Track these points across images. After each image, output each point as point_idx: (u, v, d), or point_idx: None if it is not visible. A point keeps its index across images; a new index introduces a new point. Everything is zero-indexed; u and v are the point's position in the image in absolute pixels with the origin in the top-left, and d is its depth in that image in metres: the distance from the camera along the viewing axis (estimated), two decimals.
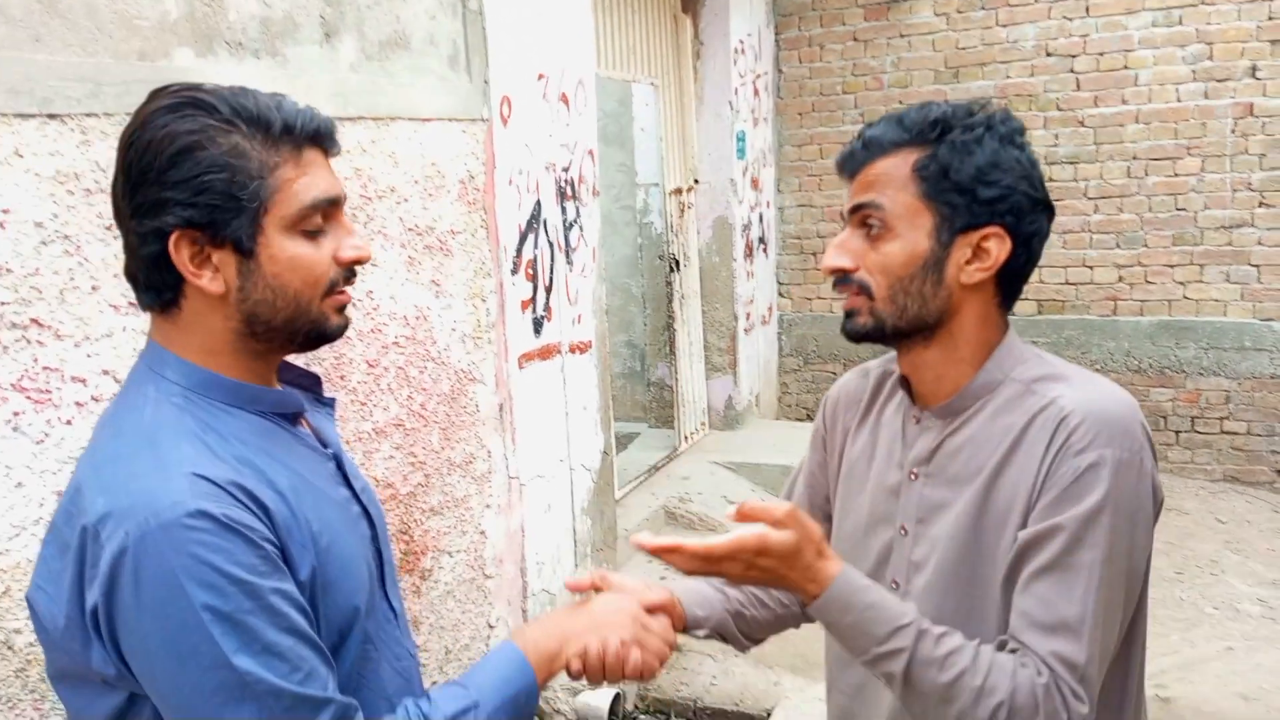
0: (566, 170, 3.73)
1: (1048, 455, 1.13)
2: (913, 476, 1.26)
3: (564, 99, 3.71)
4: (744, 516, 1.11)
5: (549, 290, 3.62)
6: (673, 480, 5.15)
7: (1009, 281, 1.21)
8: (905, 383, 1.31)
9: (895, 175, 1.17)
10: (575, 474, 3.84)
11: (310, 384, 1.21)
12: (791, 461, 5.36)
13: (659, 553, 1.14)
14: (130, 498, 0.94)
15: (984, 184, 1.14)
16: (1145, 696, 1.30)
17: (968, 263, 1.17)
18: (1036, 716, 1.07)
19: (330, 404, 1.23)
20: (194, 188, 0.98)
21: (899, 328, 1.21)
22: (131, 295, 1.97)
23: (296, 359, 1.18)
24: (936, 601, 1.22)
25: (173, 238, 0.99)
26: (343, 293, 1.09)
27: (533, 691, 1.13)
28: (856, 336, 1.23)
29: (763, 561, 1.11)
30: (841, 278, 1.22)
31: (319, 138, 1.06)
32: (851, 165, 1.22)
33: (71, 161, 1.88)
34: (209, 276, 1.01)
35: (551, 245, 3.63)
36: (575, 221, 3.82)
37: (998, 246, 1.17)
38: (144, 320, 2.00)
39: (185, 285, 1.03)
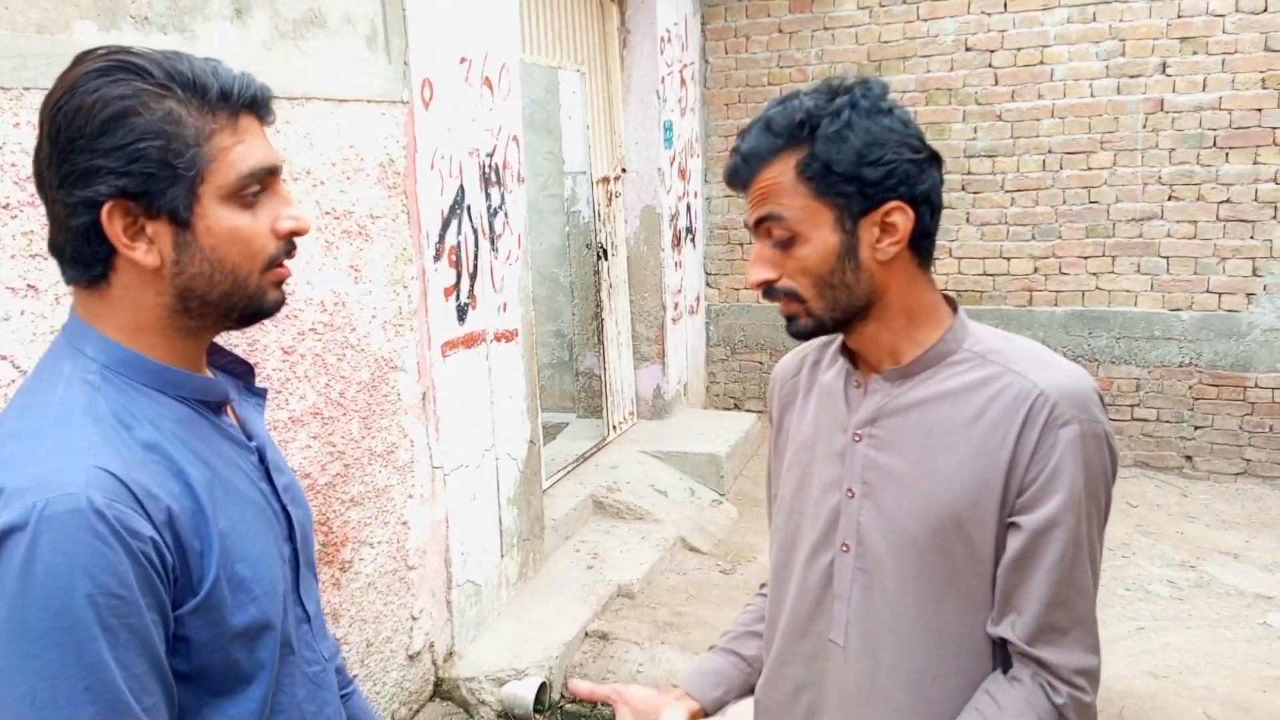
0: (490, 155, 3.69)
1: (1028, 433, 1.16)
2: (856, 439, 1.27)
3: (487, 83, 3.66)
4: None
5: (473, 277, 3.58)
6: (601, 470, 5.14)
7: (920, 242, 1.22)
8: (845, 351, 1.32)
9: (783, 182, 1.18)
10: (501, 463, 3.81)
11: (242, 371, 1.16)
12: (718, 450, 5.40)
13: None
14: (27, 479, 0.89)
15: (868, 165, 1.15)
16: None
17: (878, 241, 1.19)
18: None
19: (261, 394, 1.18)
20: (128, 155, 0.93)
21: (836, 318, 1.23)
22: (30, 277, 1.90)
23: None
24: (905, 573, 1.23)
25: (105, 208, 0.94)
26: (282, 266, 1.04)
27: None
28: (804, 336, 1.26)
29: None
30: (768, 289, 1.23)
31: (256, 104, 1.01)
32: (739, 180, 1.23)
33: None
34: (143, 249, 0.96)
35: (475, 231, 3.58)
36: (500, 208, 3.78)
37: (902, 218, 1.18)
38: (43, 303, 1.93)
39: (116, 258, 0.97)
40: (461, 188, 3.47)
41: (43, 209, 1.90)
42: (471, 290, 3.56)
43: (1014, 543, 1.17)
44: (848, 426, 1.28)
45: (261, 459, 1.11)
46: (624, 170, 5.77)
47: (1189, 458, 5.61)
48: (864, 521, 1.26)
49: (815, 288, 1.20)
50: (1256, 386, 5.40)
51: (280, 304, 1.07)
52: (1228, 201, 5.33)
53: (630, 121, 5.76)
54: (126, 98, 0.93)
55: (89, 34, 2.04)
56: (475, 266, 3.59)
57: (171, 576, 0.94)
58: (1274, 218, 5.25)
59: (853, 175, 1.15)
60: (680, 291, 6.14)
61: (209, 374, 1.10)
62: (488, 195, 3.68)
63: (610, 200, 5.67)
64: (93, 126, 0.92)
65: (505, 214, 3.82)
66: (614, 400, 5.71)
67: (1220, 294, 5.42)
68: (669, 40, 5.77)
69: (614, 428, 5.68)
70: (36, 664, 0.87)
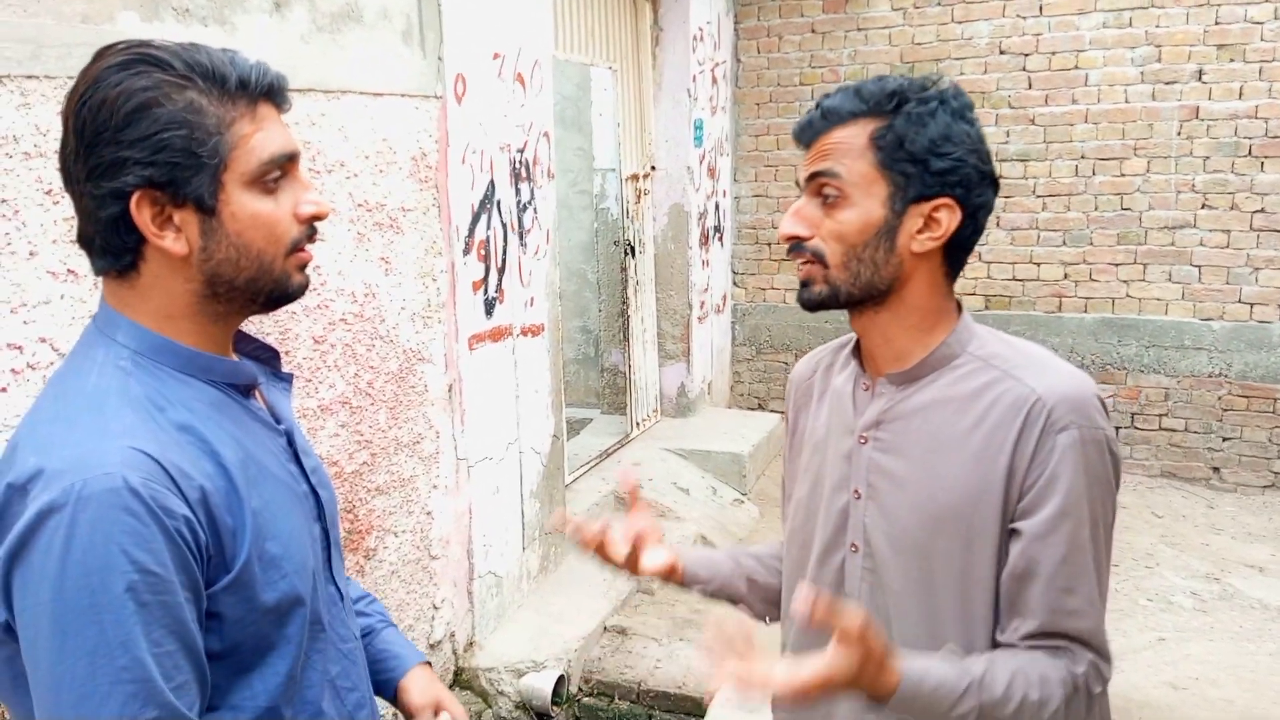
0: (521, 151, 3.71)
1: (1025, 439, 1.17)
2: (862, 441, 1.29)
3: (520, 79, 3.69)
4: (818, 619, 1.05)
5: (501, 272, 3.61)
6: (624, 466, 5.16)
7: (955, 252, 1.24)
8: (857, 354, 1.34)
9: (853, 144, 1.20)
10: (525, 457, 3.84)
11: (268, 357, 1.19)
12: (741, 449, 5.41)
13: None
14: (64, 460, 0.92)
15: (937, 155, 1.17)
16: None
17: (919, 232, 1.20)
18: (1079, 699, 1.18)
19: (288, 379, 1.21)
20: (153, 145, 0.95)
21: (852, 294, 1.24)
22: (71, 262, 1.95)
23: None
24: (908, 574, 1.25)
25: (134, 198, 0.97)
26: (305, 251, 1.07)
27: None
28: (812, 305, 1.26)
29: (833, 689, 1.08)
30: (796, 245, 1.25)
31: (273, 92, 1.04)
32: (809, 134, 1.24)
33: (11, 124, 1.84)
34: (171, 237, 0.99)
35: (505, 226, 3.61)
36: (529, 203, 3.81)
37: (948, 217, 1.20)
38: (82, 288, 1.97)
39: (145, 247, 1.00)
40: (492, 183, 3.50)
41: None
42: (499, 285, 3.59)
43: (1015, 549, 1.19)
44: (854, 429, 1.31)
45: (290, 441, 1.14)
46: (653, 168, 5.79)
47: (1216, 469, 5.56)
48: (869, 523, 1.28)
49: (844, 255, 1.21)
50: None
51: (304, 287, 1.10)
52: (1262, 211, 5.27)
53: (661, 119, 5.77)
54: (149, 89, 0.95)
55: (132, 24, 2.08)
56: (504, 261, 3.62)
57: (205, 554, 0.97)
58: None
59: (920, 158, 1.17)
60: (707, 290, 6.15)
61: (236, 359, 1.13)
62: (518, 191, 3.71)
63: (639, 198, 5.68)
64: (117, 119, 0.95)
65: (535, 209, 3.85)
66: (638, 397, 5.73)
67: (1252, 304, 5.36)
68: (701, 39, 5.78)
69: (637, 425, 5.71)
70: (75, 641, 0.90)
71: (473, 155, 3.36)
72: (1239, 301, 5.38)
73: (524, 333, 3.80)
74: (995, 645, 1.23)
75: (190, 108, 0.97)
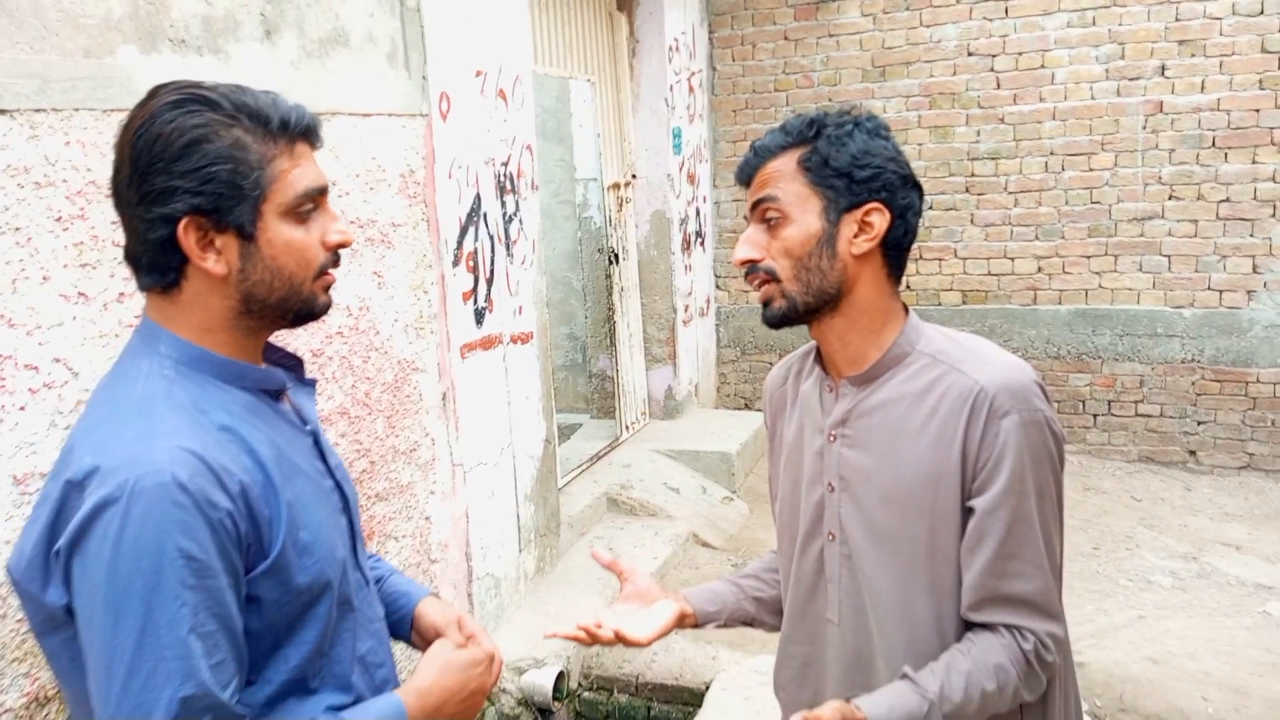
0: (505, 165, 3.82)
1: (974, 426, 1.30)
2: (831, 439, 1.42)
3: (502, 95, 3.80)
4: None
5: (490, 282, 3.71)
6: (614, 468, 5.27)
7: (893, 253, 1.38)
8: (819, 359, 1.47)
9: (785, 170, 1.35)
10: (518, 461, 3.94)
11: (293, 365, 1.30)
12: (729, 448, 5.52)
13: None
14: (118, 459, 1.02)
15: (859, 167, 1.32)
16: (1070, 658, 1.47)
17: (855, 236, 1.34)
18: (1034, 673, 1.31)
19: (311, 384, 1.32)
20: (201, 177, 1.07)
21: (808, 303, 1.37)
22: (81, 286, 2.05)
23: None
24: (881, 558, 1.38)
25: (182, 223, 1.08)
26: (329, 274, 1.19)
27: None
28: (775, 322, 1.40)
29: None
30: (751, 268, 1.39)
31: (309, 133, 1.16)
32: (747, 172, 1.40)
33: (21, 155, 1.93)
34: (213, 259, 1.10)
35: (492, 238, 3.72)
36: (515, 215, 3.92)
37: (879, 219, 1.34)
38: (93, 309, 2.07)
39: (188, 267, 1.11)
40: (478, 196, 3.61)
41: (92, 222, 2.05)
42: (488, 294, 3.70)
43: (970, 525, 1.31)
44: (823, 428, 1.44)
45: (316, 441, 1.25)
46: (634, 176, 5.91)
47: (1193, 452, 5.70)
48: (843, 513, 1.41)
49: (793, 268, 1.35)
50: (1258, 382, 5.49)
51: (328, 307, 1.21)
52: (1227, 200, 5.42)
53: (640, 129, 5.89)
54: (200, 126, 1.07)
55: (132, 57, 2.19)
56: (492, 271, 3.73)
57: (245, 543, 1.08)
58: (1273, 216, 5.34)
59: (845, 172, 1.32)
60: (690, 294, 6.27)
61: (266, 367, 1.23)
62: (503, 203, 3.81)
63: (621, 206, 5.80)
64: (171, 152, 1.06)
65: (520, 220, 3.96)
66: (626, 401, 5.84)
67: (1221, 291, 5.51)
68: (677, 49, 5.91)
69: (627, 428, 5.81)
70: (126, 620, 1.00)
71: (459, 170, 3.47)
72: (1208, 289, 5.54)
73: (514, 340, 3.90)
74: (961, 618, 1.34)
75: (236, 144, 1.09)
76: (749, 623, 1.62)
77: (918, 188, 1.37)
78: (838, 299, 1.36)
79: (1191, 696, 3.45)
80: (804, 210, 1.34)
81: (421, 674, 1.25)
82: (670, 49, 5.81)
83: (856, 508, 1.39)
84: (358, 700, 1.20)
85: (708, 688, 3.48)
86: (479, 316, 3.64)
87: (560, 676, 3.53)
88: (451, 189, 3.42)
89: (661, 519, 4.88)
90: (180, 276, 1.12)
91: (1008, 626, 1.30)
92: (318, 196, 1.16)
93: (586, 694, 3.65)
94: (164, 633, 1.00)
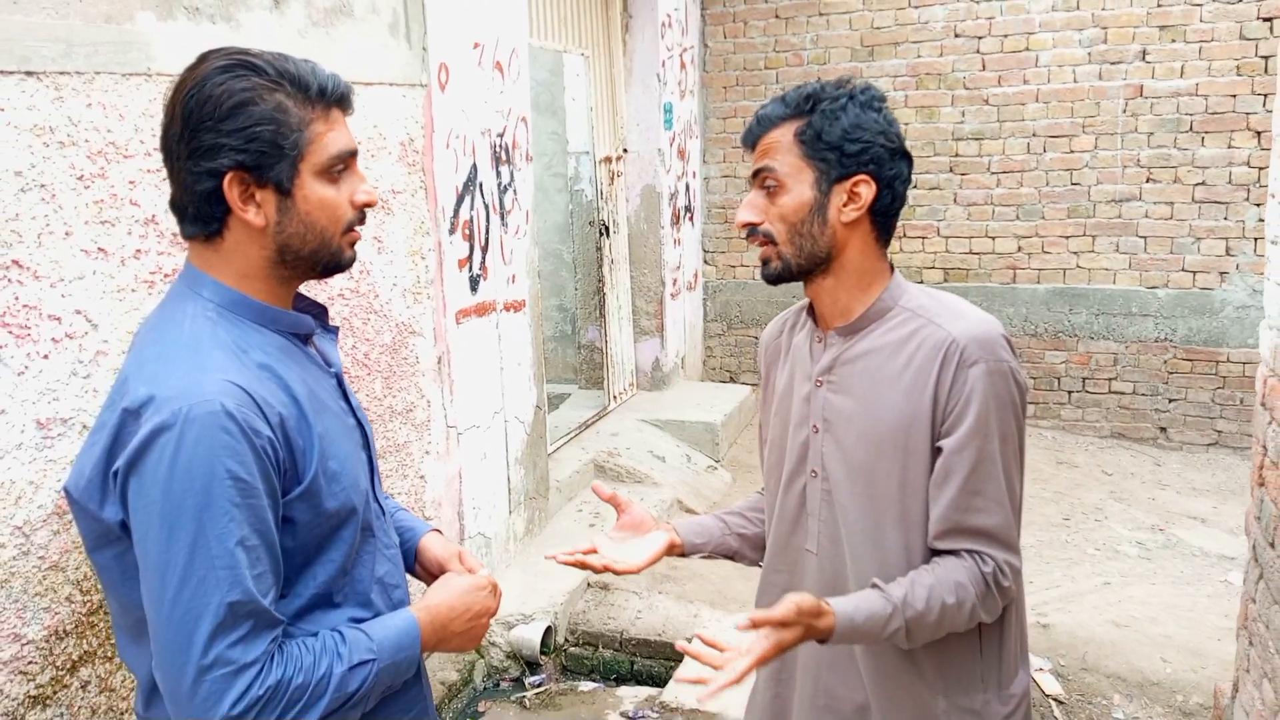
0: (501, 135, 3.92)
1: (944, 374, 1.43)
2: (818, 384, 1.55)
3: (498, 67, 3.89)
4: (758, 625, 1.33)
5: (485, 250, 3.82)
6: (602, 436, 5.40)
7: (881, 219, 1.50)
8: (811, 313, 1.60)
9: (782, 142, 1.48)
10: (510, 425, 4.06)
11: (318, 312, 1.41)
12: (713, 419, 5.66)
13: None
14: (172, 390, 1.14)
15: (850, 141, 1.44)
16: (1023, 593, 1.61)
17: (845, 205, 1.47)
18: (990, 594, 1.43)
19: (334, 331, 1.43)
20: (246, 136, 1.18)
21: (801, 264, 1.50)
22: (101, 241, 2.15)
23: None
24: (856, 492, 1.51)
25: (227, 178, 1.19)
26: (355, 231, 1.31)
27: (415, 659, 1.34)
28: (772, 279, 1.53)
29: (785, 651, 1.37)
30: (750, 230, 1.52)
31: (343, 100, 1.27)
32: (750, 138, 1.52)
33: (46, 115, 2.02)
34: (253, 211, 1.21)
35: (487, 207, 3.82)
36: (510, 185, 4.02)
37: (866, 190, 1.46)
38: (111, 264, 2.18)
39: (230, 218, 1.22)
40: (474, 166, 3.71)
41: (111, 181, 2.15)
42: (483, 262, 3.81)
43: (938, 463, 1.44)
44: (811, 374, 1.57)
45: (339, 382, 1.37)
46: (625, 151, 6.00)
47: (1163, 429, 5.87)
48: (825, 452, 1.54)
49: (788, 233, 1.48)
50: (1228, 361, 5.65)
51: (353, 260, 1.33)
52: (1203, 184, 5.56)
53: (632, 103, 5.98)
54: (247, 90, 1.18)
55: (149, 23, 2.28)
56: (487, 240, 3.83)
57: (282, 468, 1.20)
58: (1247, 199, 5.49)
59: (836, 146, 1.44)
60: (679, 268, 6.38)
61: (296, 314, 1.35)
62: (498, 173, 3.91)
63: (612, 179, 5.90)
64: (220, 112, 1.17)
65: (515, 191, 4.06)
66: (615, 372, 5.96)
67: (1195, 272, 5.66)
68: (669, 25, 5.99)
69: (614, 398, 5.94)
70: (179, 534, 1.12)
71: (456, 140, 3.57)
72: (1182, 270, 5.69)
73: (507, 308, 4.01)
74: (929, 548, 1.48)
75: (279, 108, 1.20)
76: (731, 556, 1.75)
77: (907, 157, 1.49)
78: (828, 261, 1.49)
79: (1151, 658, 3.61)
80: (798, 181, 1.46)
81: (431, 594, 1.39)
82: (663, 25, 5.90)
83: (838, 447, 1.52)
84: (376, 616, 1.33)
85: (689, 642, 3.62)
86: (474, 283, 3.74)
87: (548, 631, 3.67)
88: (449, 158, 3.52)
89: (647, 486, 5.01)
90: (223, 227, 1.23)
91: (969, 552, 1.44)
92: (349, 159, 1.27)
93: (573, 649, 3.79)
94: (213, 545, 1.12)
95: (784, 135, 1.47)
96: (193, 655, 1.11)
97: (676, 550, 1.68)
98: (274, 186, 1.21)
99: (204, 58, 1.21)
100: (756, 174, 1.50)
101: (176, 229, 2.28)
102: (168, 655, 1.13)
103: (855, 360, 1.51)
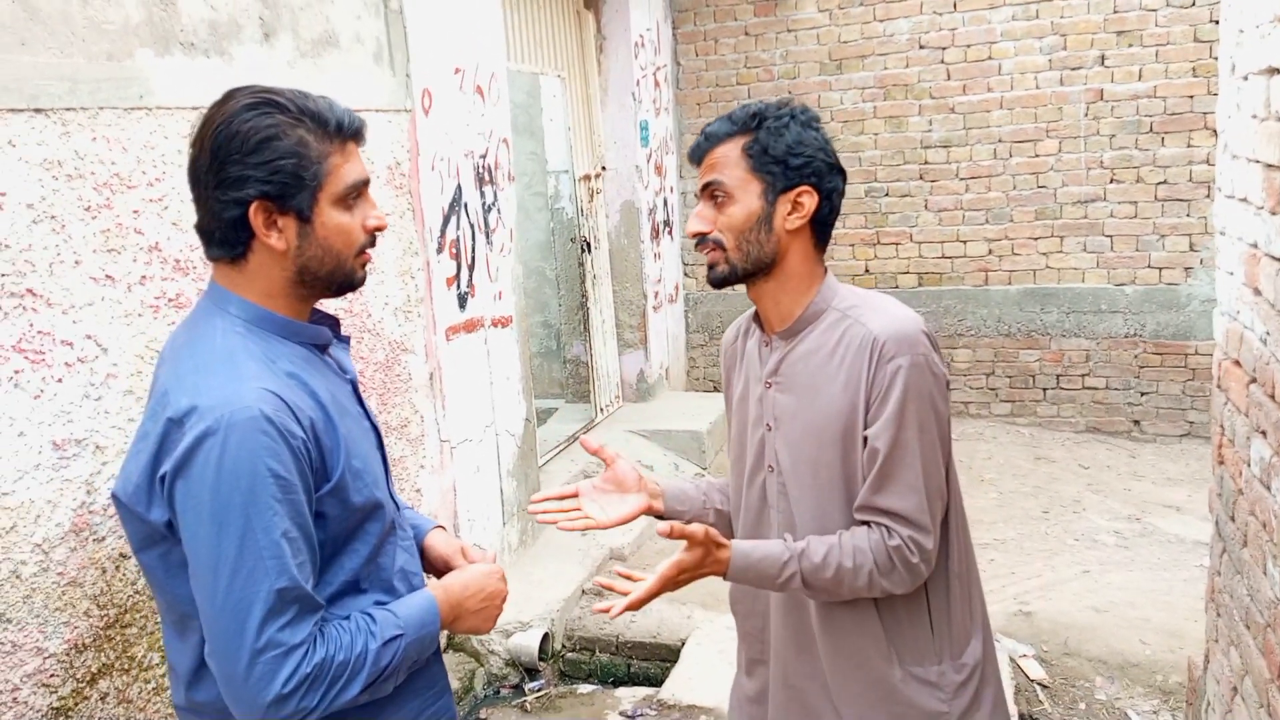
0: (484, 157, 4.04)
1: (869, 369, 1.55)
2: (768, 385, 1.68)
3: (479, 90, 4.01)
4: (674, 534, 1.48)
5: (471, 268, 3.93)
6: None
7: (819, 228, 1.63)
8: (757, 320, 1.73)
9: (730, 156, 1.59)
10: (501, 439, 4.16)
11: (332, 324, 1.52)
12: (699, 427, 5.77)
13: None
14: (213, 399, 1.25)
15: (793, 155, 1.56)
16: (975, 571, 1.72)
17: (789, 214, 1.59)
18: (894, 567, 1.53)
19: (346, 340, 1.55)
20: (271, 169, 1.29)
21: (746, 269, 1.62)
22: (109, 269, 2.25)
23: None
24: (804, 483, 1.63)
25: (252, 206, 1.30)
26: (367, 254, 1.42)
27: (437, 635, 1.46)
28: (717, 283, 1.65)
29: (683, 577, 1.53)
30: (700, 239, 1.64)
31: (358, 134, 1.38)
32: (697, 154, 1.64)
33: (55, 150, 2.12)
34: (275, 237, 1.32)
35: (473, 226, 3.93)
36: (493, 205, 4.13)
37: (809, 200, 1.59)
38: (118, 291, 2.28)
39: (254, 242, 1.33)
40: (459, 187, 3.82)
41: (117, 211, 2.26)
42: (470, 280, 3.91)
43: (865, 451, 1.56)
44: (761, 377, 1.70)
45: (354, 388, 1.48)
46: (604, 168, 6.13)
47: (1137, 422, 6.02)
48: (778, 448, 1.67)
49: (736, 240, 1.60)
50: (1197, 354, 5.81)
51: (364, 280, 1.45)
52: (1165, 183, 5.74)
53: (608, 122, 6.12)
54: (272, 126, 1.29)
55: (148, 59, 2.38)
56: (473, 258, 3.94)
57: (314, 467, 1.31)
58: (1208, 196, 5.66)
59: (781, 159, 1.57)
60: (660, 281, 6.50)
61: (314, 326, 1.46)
62: (482, 193, 4.03)
63: (592, 197, 6.02)
64: (247, 146, 1.29)
65: (498, 210, 4.18)
66: (600, 385, 6.07)
67: (1161, 269, 5.83)
68: (642, 45, 6.13)
69: (601, 410, 6.04)
70: (229, 530, 1.23)
71: (441, 162, 3.68)
72: (1149, 267, 5.85)
73: (494, 324, 4.12)
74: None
75: (300, 142, 1.31)
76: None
77: (842, 173, 1.62)
78: (771, 266, 1.61)
79: (1131, 640, 3.73)
80: (746, 192, 1.58)
81: (447, 577, 1.49)
82: (636, 45, 6.04)
83: (787, 443, 1.64)
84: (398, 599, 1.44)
85: (683, 644, 3.72)
86: (462, 301, 3.85)
87: (545, 638, 3.75)
88: (434, 180, 3.63)
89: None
90: (247, 250, 1.34)
91: (878, 525, 1.55)
92: (362, 187, 1.39)
93: (570, 654, 3.88)
94: (260, 537, 1.23)
95: (731, 150, 1.58)
96: (246, 640, 1.21)
97: (655, 512, 1.78)
98: (295, 214, 1.32)
99: (231, 95, 1.32)
100: (705, 187, 1.61)
101: (178, 256, 2.40)
102: (222, 642, 1.23)
103: (797, 362, 1.63)
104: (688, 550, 1.51)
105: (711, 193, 1.60)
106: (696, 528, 1.49)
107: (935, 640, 1.63)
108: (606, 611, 1.52)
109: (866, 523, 1.56)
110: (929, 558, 1.55)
